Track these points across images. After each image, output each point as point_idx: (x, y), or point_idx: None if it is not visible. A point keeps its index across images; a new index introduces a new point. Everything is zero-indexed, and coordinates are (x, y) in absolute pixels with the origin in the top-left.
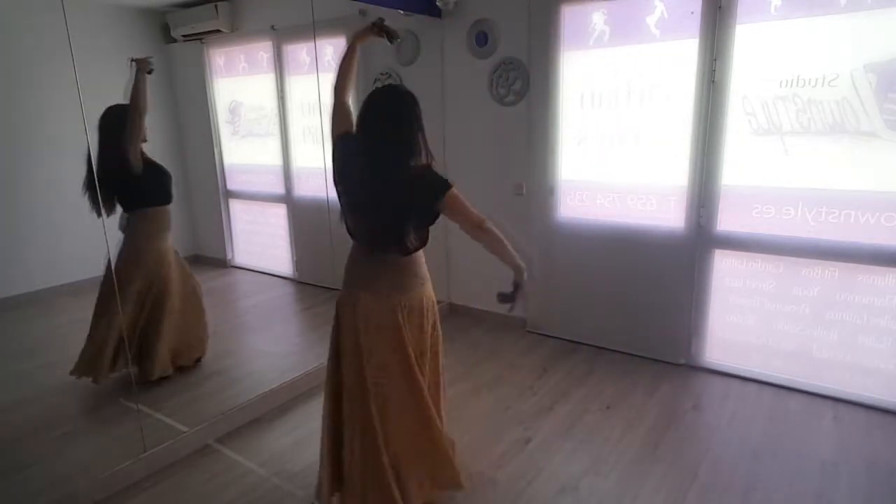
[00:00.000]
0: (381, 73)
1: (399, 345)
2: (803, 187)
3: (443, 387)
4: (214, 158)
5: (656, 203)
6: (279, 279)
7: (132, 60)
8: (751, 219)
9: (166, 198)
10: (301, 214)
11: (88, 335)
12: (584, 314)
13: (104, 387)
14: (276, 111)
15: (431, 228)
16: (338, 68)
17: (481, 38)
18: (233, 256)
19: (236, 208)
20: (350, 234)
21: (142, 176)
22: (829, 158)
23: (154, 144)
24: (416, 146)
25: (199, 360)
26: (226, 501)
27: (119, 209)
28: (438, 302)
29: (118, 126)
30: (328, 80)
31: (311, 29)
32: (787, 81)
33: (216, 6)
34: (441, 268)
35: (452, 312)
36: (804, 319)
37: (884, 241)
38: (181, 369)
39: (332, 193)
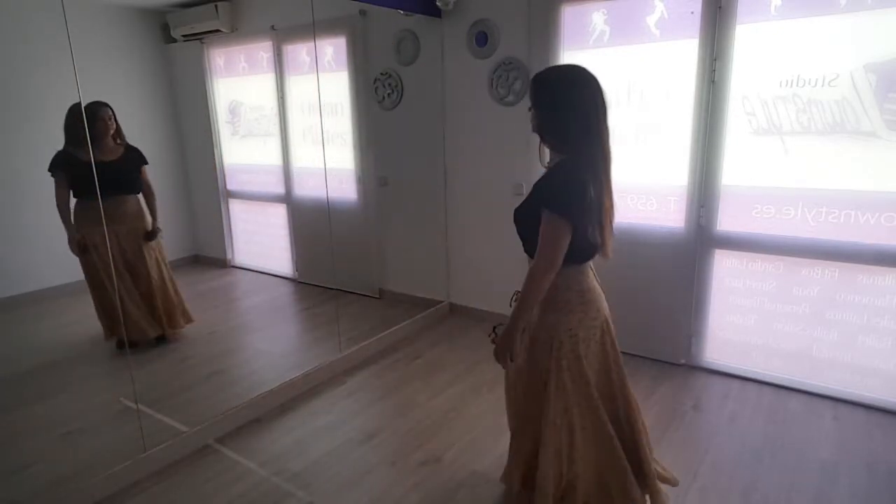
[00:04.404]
0: (382, 73)
1: None
2: (803, 187)
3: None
4: (214, 158)
5: (656, 203)
6: (279, 279)
7: None
8: (751, 219)
9: None
10: (301, 214)
11: None
12: None
13: (104, 387)
14: (276, 111)
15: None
16: None
17: (481, 38)
18: (233, 256)
19: (236, 208)
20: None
21: None
22: (829, 158)
23: (154, 144)
24: None
25: None
26: (226, 501)
27: None
28: (439, 302)
29: None
30: (328, 80)
31: (311, 29)
32: (787, 81)
33: (216, 6)
34: (441, 268)
35: (452, 312)
36: (804, 319)
37: (884, 241)
38: None
39: (332, 193)
